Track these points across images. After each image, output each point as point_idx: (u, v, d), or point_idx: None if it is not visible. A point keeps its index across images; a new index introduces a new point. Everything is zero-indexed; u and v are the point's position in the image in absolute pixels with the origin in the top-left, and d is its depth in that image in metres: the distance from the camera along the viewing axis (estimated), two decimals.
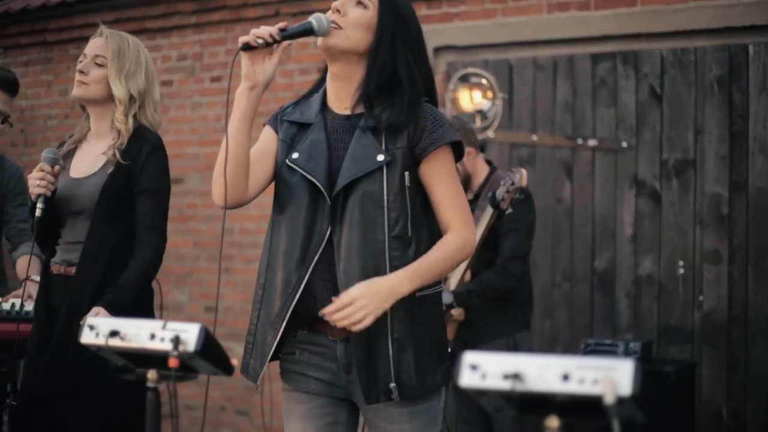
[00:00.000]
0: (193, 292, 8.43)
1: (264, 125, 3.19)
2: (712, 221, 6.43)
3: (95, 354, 3.64)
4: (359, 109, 3.05)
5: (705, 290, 6.43)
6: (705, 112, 6.46)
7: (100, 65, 3.95)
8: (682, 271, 6.50)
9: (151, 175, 3.92)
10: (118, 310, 3.68)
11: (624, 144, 6.69)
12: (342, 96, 3.08)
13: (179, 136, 8.52)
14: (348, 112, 3.07)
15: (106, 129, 3.99)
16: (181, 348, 2.38)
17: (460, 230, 3.01)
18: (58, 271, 3.89)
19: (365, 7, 3.01)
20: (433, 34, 6.97)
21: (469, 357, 1.98)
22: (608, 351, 5.60)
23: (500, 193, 4.90)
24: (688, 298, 6.48)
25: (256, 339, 3.08)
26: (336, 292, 2.92)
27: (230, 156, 2.94)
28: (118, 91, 3.93)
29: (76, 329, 3.71)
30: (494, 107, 6.87)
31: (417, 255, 2.97)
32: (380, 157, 2.95)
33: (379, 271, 2.92)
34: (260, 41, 2.91)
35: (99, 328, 2.52)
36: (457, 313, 5.11)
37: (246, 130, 2.97)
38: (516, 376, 1.90)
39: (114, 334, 2.48)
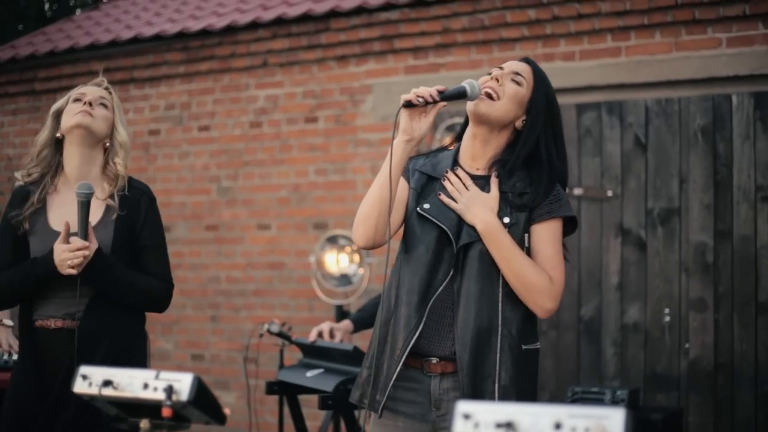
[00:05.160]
0: (179, 341, 8.42)
1: None
2: (698, 269, 6.47)
3: (97, 414, 3.65)
4: (491, 172, 3.28)
5: (691, 338, 6.46)
6: (689, 161, 6.52)
7: (105, 106, 3.91)
8: (668, 318, 6.53)
9: (153, 230, 3.90)
10: (106, 276, 3.69)
11: (609, 193, 6.74)
12: (477, 156, 3.32)
13: (166, 184, 8.55)
14: (480, 173, 3.31)
15: (94, 173, 3.89)
16: (174, 397, 2.39)
17: (553, 279, 3.22)
18: (58, 326, 3.75)
19: (520, 84, 3.27)
20: (419, 84, 7.01)
21: (462, 406, 2.00)
22: (595, 399, 5.62)
23: None
24: (674, 346, 6.50)
25: (380, 371, 3.26)
26: (440, 333, 3.19)
27: (383, 200, 3.18)
28: (123, 135, 3.91)
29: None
30: None
31: (527, 311, 3.21)
32: (506, 220, 3.20)
33: (492, 321, 3.17)
34: (420, 100, 3.14)
35: (92, 377, 2.53)
36: None
37: (397, 177, 3.20)
38: (509, 425, 1.92)
39: (107, 383, 2.49)
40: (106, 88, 4.00)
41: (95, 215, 3.80)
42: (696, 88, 6.57)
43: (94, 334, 3.75)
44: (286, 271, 7.95)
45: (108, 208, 3.84)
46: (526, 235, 3.22)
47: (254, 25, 8.02)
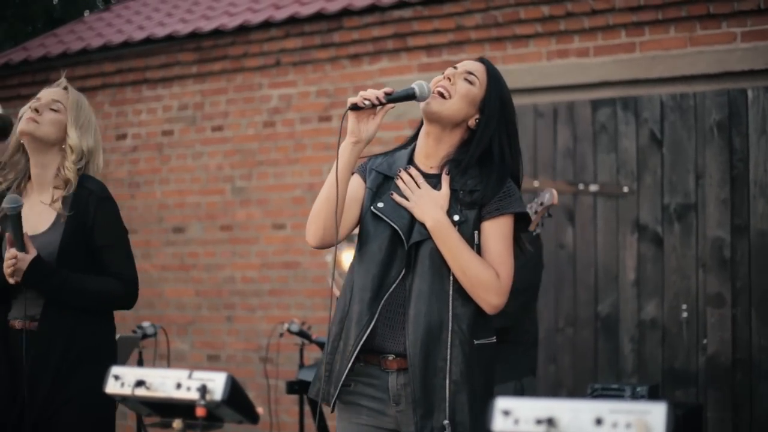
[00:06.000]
0: (195, 341, 8.42)
1: (353, 173, 3.40)
2: (715, 265, 6.46)
3: (59, 411, 3.67)
4: (444, 170, 3.33)
5: (709, 333, 6.44)
6: (705, 157, 6.51)
7: (55, 110, 3.88)
8: (685, 314, 6.52)
9: (105, 229, 3.87)
10: (47, 283, 3.71)
11: (625, 189, 6.73)
12: (431, 155, 3.38)
13: (180, 185, 8.55)
14: (433, 171, 3.36)
15: (49, 178, 3.90)
16: (208, 397, 2.39)
17: (499, 276, 3.27)
18: (21, 327, 3.79)
19: (472, 83, 3.33)
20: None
21: (501, 402, 2.00)
22: (615, 395, 5.60)
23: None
24: (692, 342, 6.49)
25: (334, 367, 3.33)
26: (394, 330, 3.25)
27: (330, 200, 3.25)
28: (73, 138, 3.86)
29: (42, 386, 3.68)
30: None
31: (477, 308, 3.26)
32: (456, 217, 3.26)
33: (442, 317, 3.22)
34: (367, 103, 3.22)
35: (124, 378, 2.53)
36: None
37: (346, 179, 3.27)
38: (549, 421, 1.92)
39: (140, 383, 2.49)
40: (65, 88, 3.98)
41: (46, 222, 3.84)
42: (711, 83, 6.55)
43: (48, 336, 3.77)
44: (302, 271, 7.94)
45: (58, 216, 3.84)
46: (476, 232, 3.28)
47: (267, 25, 8.01)
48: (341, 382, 3.28)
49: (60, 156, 3.89)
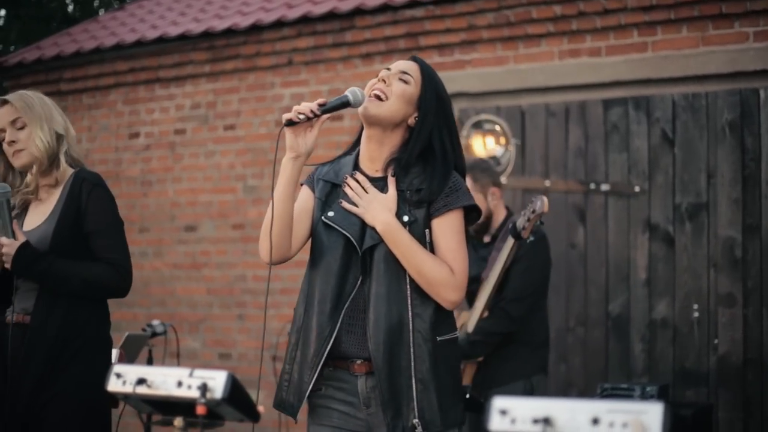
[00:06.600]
0: (206, 339, 8.44)
1: (301, 185, 3.45)
2: (726, 264, 6.43)
3: (47, 404, 3.70)
4: (389, 172, 3.35)
5: (720, 333, 6.42)
6: (717, 156, 6.49)
7: (22, 128, 3.93)
8: (696, 314, 6.50)
9: (96, 215, 3.92)
10: (33, 269, 3.78)
11: (637, 188, 6.71)
12: (375, 158, 3.39)
13: (193, 183, 8.57)
14: (379, 174, 3.38)
15: (48, 181, 3.98)
16: (208, 395, 2.40)
17: (454, 271, 3.28)
18: (16, 320, 3.84)
19: (407, 82, 3.35)
20: (446, 82, 6.95)
21: (498, 402, 2.00)
22: (625, 395, 5.58)
23: (521, 222, 4.88)
24: (703, 342, 6.47)
25: (293, 377, 3.34)
26: (358, 335, 3.27)
27: (277, 218, 3.27)
28: (44, 138, 3.91)
29: (29, 380, 3.71)
30: (507, 153, 6.92)
31: (437, 305, 3.28)
32: (405, 218, 3.27)
33: (402, 318, 3.24)
34: (302, 117, 3.22)
35: (126, 376, 2.53)
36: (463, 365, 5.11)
37: (290, 194, 3.28)
38: (546, 421, 1.91)
39: (141, 381, 2.50)
40: (5, 102, 3.99)
41: (42, 216, 3.93)
42: (723, 82, 6.53)
43: (41, 328, 3.80)
44: None
45: (54, 209, 3.92)
46: (427, 230, 3.30)
47: (279, 24, 8.02)
48: (306, 395, 3.30)
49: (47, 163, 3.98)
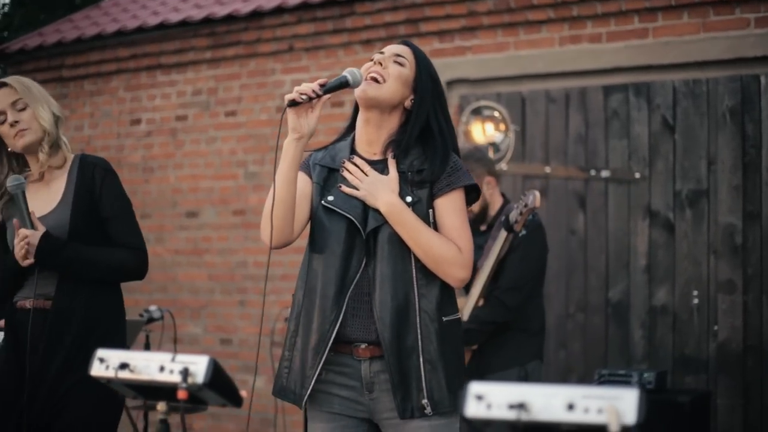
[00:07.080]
0: (208, 325, 8.44)
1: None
2: (726, 251, 6.42)
3: (71, 389, 3.71)
4: (388, 155, 3.36)
5: (720, 320, 6.41)
6: (718, 143, 6.47)
7: (23, 109, 3.94)
8: (696, 301, 6.49)
9: (111, 200, 3.96)
10: (58, 258, 3.78)
11: (637, 175, 6.70)
12: (373, 141, 3.40)
13: (194, 170, 8.57)
14: (377, 157, 3.39)
15: (55, 162, 3.99)
16: (190, 380, 2.40)
17: (461, 249, 3.30)
18: (33, 306, 3.83)
19: (402, 65, 3.36)
20: (446, 68, 7.01)
21: (475, 387, 1.99)
22: (622, 381, 5.58)
23: (513, 215, 4.90)
24: (702, 328, 6.46)
25: (293, 364, 3.35)
26: (363, 318, 3.27)
27: (279, 201, 3.28)
28: (47, 117, 3.94)
29: (55, 363, 3.72)
30: (507, 139, 6.91)
31: (443, 284, 3.30)
32: (408, 199, 3.29)
33: (408, 299, 3.26)
34: (304, 97, 3.22)
35: (109, 360, 2.53)
36: None
37: (293, 177, 3.29)
38: (521, 406, 1.91)
39: (124, 366, 2.50)
40: (5, 85, 4.00)
41: (53, 201, 3.93)
42: (724, 68, 6.51)
43: (65, 313, 3.83)
44: None
45: (65, 191, 3.93)
46: (431, 210, 3.32)
47: (279, 10, 8.00)
48: (312, 383, 3.29)
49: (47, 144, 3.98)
